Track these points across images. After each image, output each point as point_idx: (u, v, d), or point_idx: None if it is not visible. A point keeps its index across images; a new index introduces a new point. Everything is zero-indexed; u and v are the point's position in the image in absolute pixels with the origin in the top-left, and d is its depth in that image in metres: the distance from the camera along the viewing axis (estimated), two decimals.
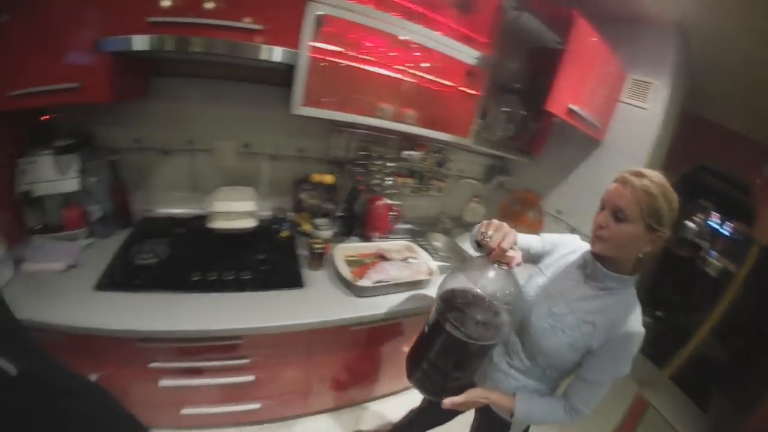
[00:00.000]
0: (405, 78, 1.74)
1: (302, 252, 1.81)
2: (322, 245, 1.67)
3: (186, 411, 1.61)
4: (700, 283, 3.65)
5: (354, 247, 1.86)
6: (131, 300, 1.36)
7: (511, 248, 0.97)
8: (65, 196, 1.59)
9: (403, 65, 1.71)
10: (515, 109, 2.07)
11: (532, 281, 1.20)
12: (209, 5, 1.31)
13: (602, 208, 1.02)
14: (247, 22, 1.33)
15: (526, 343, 1.15)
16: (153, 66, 1.71)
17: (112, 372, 1.40)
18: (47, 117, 1.64)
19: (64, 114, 1.65)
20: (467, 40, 1.76)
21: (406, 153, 2.09)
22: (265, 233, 1.84)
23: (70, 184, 1.55)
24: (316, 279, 1.66)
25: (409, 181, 2.26)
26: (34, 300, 1.29)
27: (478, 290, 1.00)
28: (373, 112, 1.72)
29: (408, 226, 2.21)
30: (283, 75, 1.71)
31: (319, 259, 1.69)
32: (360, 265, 1.77)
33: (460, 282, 1.04)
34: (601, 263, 1.05)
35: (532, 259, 1.27)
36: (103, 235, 1.67)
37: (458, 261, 2.18)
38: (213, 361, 1.47)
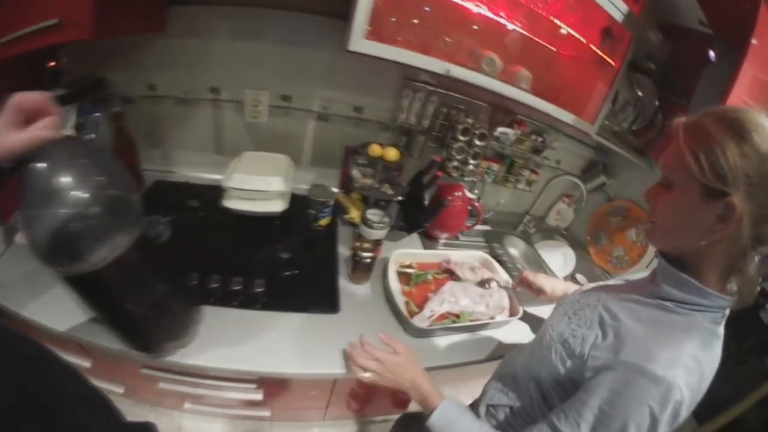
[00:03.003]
0: (515, 25, 1.17)
1: (343, 251, 1.34)
2: (372, 254, 1.18)
3: (189, 406, 1.32)
4: (758, 334, 2.87)
5: (414, 254, 1.36)
6: None
7: None
8: None
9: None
10: (649, 95, 1.47)
11: None
12: None
13: None
14: None
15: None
16: None
17: (107, 366, 1.15)
18: (53, 63, 1.25)
19: (72, 58, 1.23)
20: None
21: (500, 130, 1.52)
22: (297, 218, 1.36)
23: None
24: (356, 297, 1.18)
25: (495, 167, 1.70)
26: (24, 284, 0.98)
27: None
28: (473, 63, 1.17)
29: (485, 227, 1.67)
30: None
31: (366, 271, 1.20)
32: (420, 282, 1.28)
33: None
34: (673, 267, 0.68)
35: None
36: None
37: None
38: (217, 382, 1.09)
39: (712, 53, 1.33)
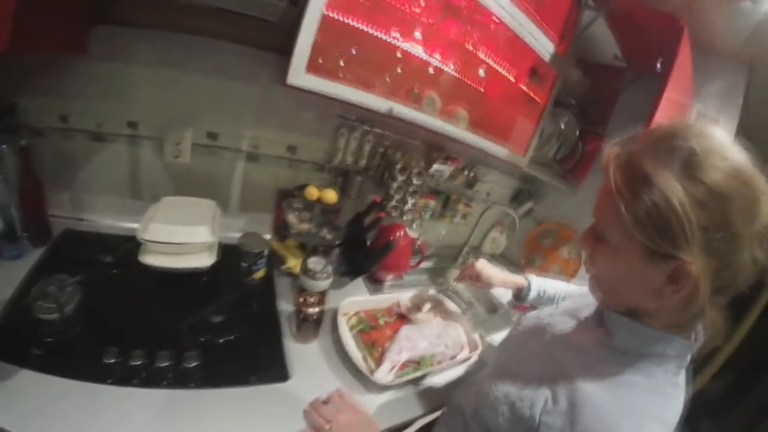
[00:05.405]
0: (449, 66, 1.19)
1: (285, 306, 1.19)
2: (319, 308, 1.06)
3: None
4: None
5: (362, 301, 1.26)
6: (27, 384, 0.75)
7: None
8: None
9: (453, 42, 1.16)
10: (570, 127, 1.61)
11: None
12: None
13: None
14: None
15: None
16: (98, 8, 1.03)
17: None
18: None
19: None
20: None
21: (435, 167, 1.52)
22: (228, 273, 1.18)
23: None
24: (306, 359, 1.04)
25: (432, 203, 1.69)
26: None
27: None
28: (413, 101, 1.15)
29: (428, 263, 1.63)
30: (278, 34, 1.11)
31: (315, 328, 1.07)
32: (371, 330, 1.18)
33: None
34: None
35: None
36: (10, 255, 1.03)
37: (489, 312, 1.66)
38: None
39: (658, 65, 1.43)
